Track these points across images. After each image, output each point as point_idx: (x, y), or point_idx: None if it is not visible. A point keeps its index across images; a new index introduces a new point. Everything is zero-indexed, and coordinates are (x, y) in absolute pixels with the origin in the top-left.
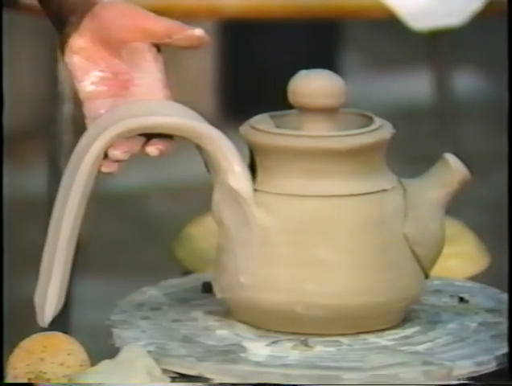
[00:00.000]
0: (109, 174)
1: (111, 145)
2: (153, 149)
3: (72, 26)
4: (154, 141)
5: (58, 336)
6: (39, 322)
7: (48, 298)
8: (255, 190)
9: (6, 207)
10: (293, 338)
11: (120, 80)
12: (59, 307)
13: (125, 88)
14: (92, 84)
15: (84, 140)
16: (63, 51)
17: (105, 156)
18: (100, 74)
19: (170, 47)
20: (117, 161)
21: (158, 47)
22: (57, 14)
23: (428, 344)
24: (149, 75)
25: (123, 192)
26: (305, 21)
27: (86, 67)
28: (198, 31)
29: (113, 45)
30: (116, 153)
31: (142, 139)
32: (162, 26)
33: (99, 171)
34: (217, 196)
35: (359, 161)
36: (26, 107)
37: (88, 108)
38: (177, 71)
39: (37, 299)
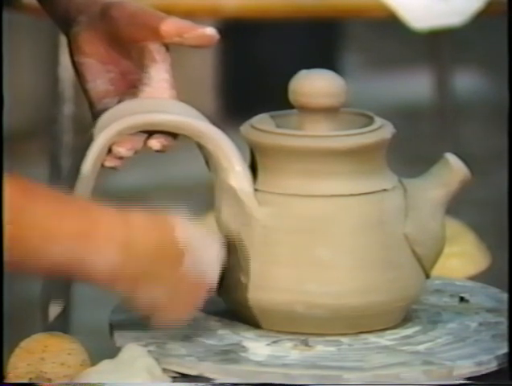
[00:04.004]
0: (113, 168)
1: (114, 141)
2: (155, 142)
3: (81, 26)
4: (156, 135)
5: (58, 336)
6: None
7: (52, 297)
8: (256, 189)
9: None
10: (293, 338)
11: (128, 80)
12: (63, 306)
13: (132, 87)
14: (101, 83)
15: (87, 137)
16: (71, 51)
17: (109, 151)
18: (108, 74)
19: (179, 46)
20: (121, 157)
21: (166, 47)
22: (64, 15)
23: (429, 344)
24: (156, 76)
25: (123, 192)
26: (305, 21)
27: (95, 66)
28: (209, 30)
29: (122, 45)
30: (120, 150)
31: (145, 136)
32: (172, 25)
33: (103, 166)
34: (218, 196)
35: (360, 161)
36: (27, 107)
37: (96, 108)
38: (178, 71)
39: (41, 297)
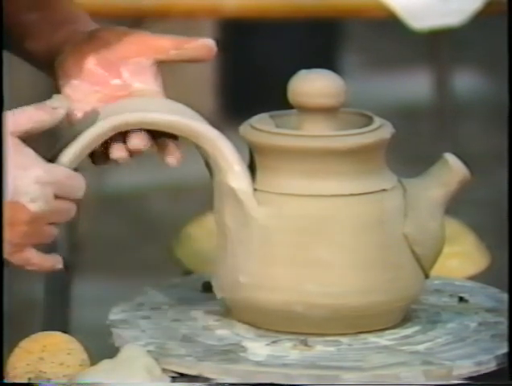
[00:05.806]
0: (117, 162)
1: (105, 138)
2: (172, 159)
3: (67, 52)
4: (172, 150)
5: (58, 336)
6: None
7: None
8: (255, 189)
9: None
10: (293, 338)
11: (116, 97)
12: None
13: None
14: (88, 104)
15: (78, 128)
16: (57, 78)
17: (105, 148)
18: (96, 94)
19: (175, 62)
20: (134, 151)
21: (157, 63)
22: (46, 53)
23: (428, 344)
24: (148, 90)
25: (123, 192)
26: (305, 21)
27: (81, 88)
28: (208, 41)
29: (112, 63)
30: (136, 142)
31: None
32: (167, 40)
33: (110, 158)
34: (217, 196)
35: (359, 161)
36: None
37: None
38: (178, 71)
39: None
